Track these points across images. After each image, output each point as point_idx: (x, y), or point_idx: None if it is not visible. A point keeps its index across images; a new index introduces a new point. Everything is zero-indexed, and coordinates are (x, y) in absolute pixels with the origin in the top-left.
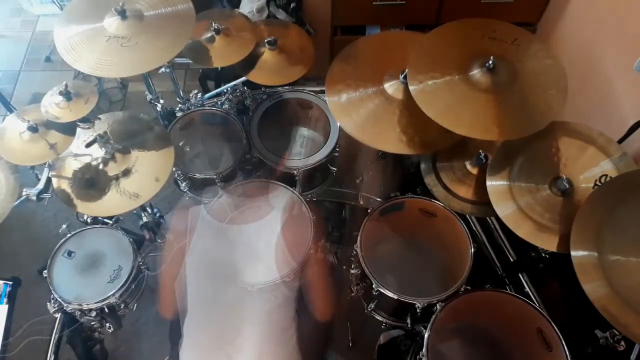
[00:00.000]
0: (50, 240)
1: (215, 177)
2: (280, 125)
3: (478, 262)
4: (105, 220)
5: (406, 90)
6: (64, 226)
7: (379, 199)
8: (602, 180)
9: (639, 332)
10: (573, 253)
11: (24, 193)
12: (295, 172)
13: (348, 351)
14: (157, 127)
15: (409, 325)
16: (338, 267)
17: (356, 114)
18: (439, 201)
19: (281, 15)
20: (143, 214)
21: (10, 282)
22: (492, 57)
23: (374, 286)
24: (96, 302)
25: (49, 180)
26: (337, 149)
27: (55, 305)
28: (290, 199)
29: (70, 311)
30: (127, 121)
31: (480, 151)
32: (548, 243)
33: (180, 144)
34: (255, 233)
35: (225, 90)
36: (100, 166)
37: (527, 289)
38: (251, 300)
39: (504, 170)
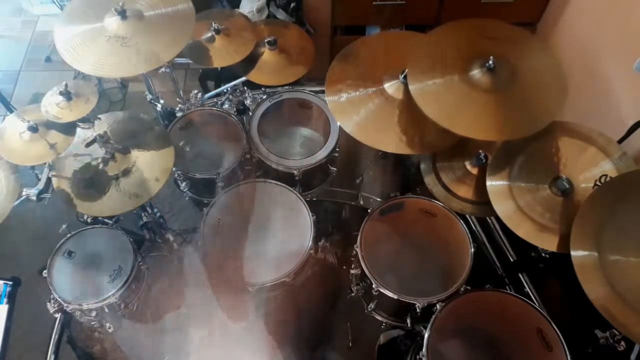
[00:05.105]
0: (50, 240)
1: (215, 177)
2: (280, 125)
3: (478, 262)
4: (105, 220)
5: (406, 90)
6: (64, 226)
7: (379, 199)
8: (602, 180)
9: (639, 332)
10: (573, 253)
11: (24, 193)
12: (295, 172)
13: (348, 351)
14: (157, 127)
15: (409, 325)
16: (338, 267)
17: (356, 114)
18: (439, 201)
19: (281, 15)
20: (143, 214)
21: (10, 282)
22: (492, 57)
23: (374, 286)
24: (96, 302)
25: (49, 180)
26: (337, 149)
27: (55, 305)
28: (290, 199)
29: (70, 311)
30: (127, 121)
31: (480, 151)
32: (548, 243)
33: (180, 144)
34: (255, 233)
35: (225, 90)
36: (100, 166)
37: (527, 289)
38: (251, 301)
39: (504, 170)
